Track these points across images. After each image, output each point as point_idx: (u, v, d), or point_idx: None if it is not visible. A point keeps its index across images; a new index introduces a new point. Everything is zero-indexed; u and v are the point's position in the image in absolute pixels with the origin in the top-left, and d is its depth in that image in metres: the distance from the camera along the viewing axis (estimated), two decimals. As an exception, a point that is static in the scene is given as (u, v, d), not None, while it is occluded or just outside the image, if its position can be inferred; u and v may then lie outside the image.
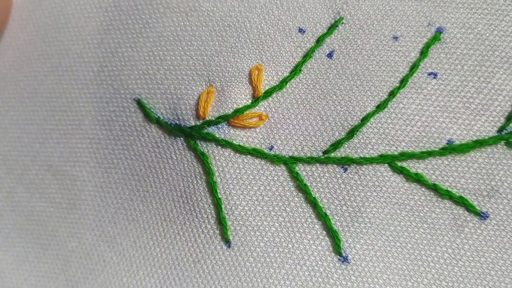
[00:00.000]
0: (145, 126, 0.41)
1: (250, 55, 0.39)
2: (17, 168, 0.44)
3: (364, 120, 0.37)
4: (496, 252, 0.37)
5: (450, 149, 0.37)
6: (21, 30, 0.44)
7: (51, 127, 0.43)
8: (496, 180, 0.37)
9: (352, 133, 0.37)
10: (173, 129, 0.39)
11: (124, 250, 0.41)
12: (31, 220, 0.43)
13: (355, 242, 0.38)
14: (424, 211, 0.37)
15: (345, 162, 0.38)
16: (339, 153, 0.38)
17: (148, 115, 0.40)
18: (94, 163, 0.42)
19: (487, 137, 0.37)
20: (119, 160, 0.41)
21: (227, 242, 0.39)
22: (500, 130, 0.37)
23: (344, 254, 0.38)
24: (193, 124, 0.39)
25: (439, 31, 0.38)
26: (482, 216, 0.37)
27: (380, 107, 0.37)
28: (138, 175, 0.41)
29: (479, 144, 0.37)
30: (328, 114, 0.38)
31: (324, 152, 0.38)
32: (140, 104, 0.40)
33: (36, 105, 0.43)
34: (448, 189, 0.37)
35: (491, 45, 0.37)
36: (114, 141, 0.41)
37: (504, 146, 0.37)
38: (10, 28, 0.45)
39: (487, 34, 0.37)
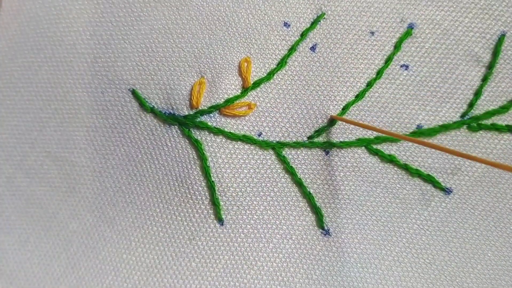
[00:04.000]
0: (140, 115, 0.45)
1: (239, 48, 0.44)
2: (16, 154, 0.47)
3: (345, 109, 0.43)
4: (458, 222, 0.44)
5: (419, 133, 0.43)
6: (12, 21, 0.47)
7: (48, 115, 0.46)
8: (459, 159, 0.43)
9: (333, 120, 0.43)
10: (168, 118, 0.44)
11: (123, 229, 0.46)
12: (31, 204, 0.47)
13: (336, 217, 0.44)
14: (397, 188, 0.44)
15: (327, 146, 0.43)
16: (322, 138, 0.43)
17: (143, 105, 0.44)
18: (92, 149, 0.46)
19: (451, 122, 0.43)
20: (116, 147, 0.45)
21: (220, 220, 0.44)
22: (463, 115, 0.43)
23: (326, 228, 0.44)
24: (187, 113, 0.44)
25: (410, 27, 0.43)
26: (446, 191, 0.44)
27: (359, 96, 0.43)
28: (134, 161, 0.45)
29: (444, 128, 0.43)
30: (312, 103, 0.43)
31: (309, 138, 0.44)
32: (135, 94, 0.45)
33: (31, 95, 0.47)
34: (418, 168, 0.43)
35: (456, 40, 0.43)
36: (111, 129, 0.45)
37: (466, 130, 0.43)
38: (1, 19, 0.47)
39: (452, 30, 0.43)
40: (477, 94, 0.43)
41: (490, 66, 0.43)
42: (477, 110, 0.43)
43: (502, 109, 0.43)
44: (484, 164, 0.40)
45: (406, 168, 0.43)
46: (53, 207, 0.47)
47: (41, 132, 0.47)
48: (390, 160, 0.43)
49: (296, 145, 0.44)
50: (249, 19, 0.44)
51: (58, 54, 0.46)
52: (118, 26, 0.45)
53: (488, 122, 0.43)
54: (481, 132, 0.43)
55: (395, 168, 0.44)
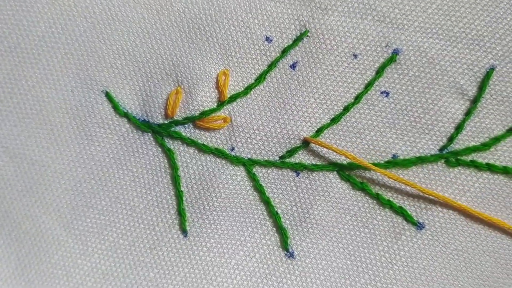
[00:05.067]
0: (112, 118, 0.46)
1: (218, 60, 0.45)
2: None
3: (319, 131, 0.43)
4: (428, 259, 0.45)
5: (394, 163, 0.44)
6: None
7: (9, 109, 0.47)
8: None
9: (307, 142, 0.42)
10: (141, 125, 0.46)
11: (81, 234, 0.47)
12: None
13: (301, 240, 0.44)
14: (367, 217, 0.45)
15: (298, 167, 0.45)
16: (294, 158, 0.44)
17: (116, 108, 0.46)
18: (55, 149, 0.47)
19: (429, 155, 0.43)
20: (81, 148, 0.47)
21: (184, 232, 0.46)
22: (442, 149, 0.43)
23: (290, 250, 0.45)
24: (161, 122, 0.46)
25: (395, 52, 0.44)
26: (418, 226, 0.44)
27: (334, 120, 0.44)
28: (101, 164, 0.47)
29: (421, 160, 0.44)
30: (287, 122, 0.44)
31: (280, 157, 0.45)
32: (108, 96, 0.45)
33: None
34: (390, 199, 0.44)
35: (441, 70, 0.44)
36: (78, 130, 0.47)
37: (444, 164, 0.44)
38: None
39: (439, 59, 0.44)
40: (459, 128, 0.44)
41: (475, 100, 0.43)
42: (457, 145, 0.43)
43: (483, 146, 0.44)
44: (455, 206, 0.40)
45: (377, 198, 0.44)
46: (6, 206, 0.48)
47: None
48: (361, 188, 0.45)
49: (267, 163, 0.45)
50: (231, 30, 0.44)
51: (24, 44, 0.47)
52: (92, 22, 0.46)
53: (468, 158, 0.43)
54: (459, 168, 0.44)
55: (366, 197, 0.45)
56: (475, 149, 0.44)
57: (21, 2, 0.46)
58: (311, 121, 0.45)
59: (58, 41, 0.46)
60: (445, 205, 0.45)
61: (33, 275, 0.47)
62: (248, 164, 0.45)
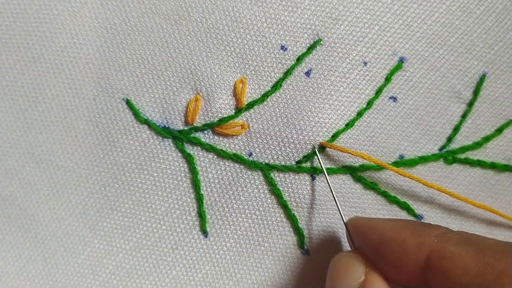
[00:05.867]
0: (133, 125, 0.47)
1: (235, 68, 0.46)
2: None
3: (334, 136, 0.45)
4: None
5: (401, 163, 0.47)
6: None
7: (34, 117, 0.48)
8: (433, 190, 0.47)
9: (322, 147, 0.45)
10: (162, 131, 0.47)
11: (106, 234, 0.48)
12: (9, 204, 0.48)
13: (316, 238, 0.48)
14: (374, 212, 0.49)
15: (314, 172, 0.47)
16: (310, 163, 0.46)
17: (137, 116, 0.47)
18: (80, 154, 0.47)
19: (430, 154, 0.47)
20: (105, 154, 0.48)
21: (204, 233, 0.48)
22: (441, 148, 0.48)
23: (306, 248, 0.47)
24: (181, 128, 0.47)
25: (401, 60, 0.47)
26: (418, 217, 0.48)
27: (349, 125, 0.46)
28: (124, 169, 0.48)
29: (423, 160, 0.48)
30: (303, 128, 0.46)
31: (297, 162, 0.47)
32: (128, 104, 0.46)
33: (16, 94, 0.47)
34: (395, 195, 0.47)
35: (441, 76, 0.47)
36: (101, 136, 0.48)
37: (442, 162, 0.47)
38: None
39: (439, 66, 0.47)
40: (456, 129, 0.48)
41: (470, 104, 0.47)
42: (454, 144, 0.47)
43: (476, 145, 0.49)
44: (453, 197, 0.44)
45: (385, 195, 0.47)
46: (32, 209, 0.48)
47: (25, 133, 0.47)
48: (371, 187, 0.47)
49: (284, 168, 0.47)
50: (247, 39, 0.46)
51: (47, 55, 0.47)
52: (113, 33, 0.47)
53: (462, 156, 0.47)
54: (455, 164, 0.48)
55: (375, 195, 0.48)
56: (469, 148, 0.49)
57: (45, 15, 0.47)
58: (327, 127, 0.47)
59: (79, 51, 0.47)
60: (441, 198, 0.48)
61: (60, 275, 0.48)
62: (266, 169, 0.47)
